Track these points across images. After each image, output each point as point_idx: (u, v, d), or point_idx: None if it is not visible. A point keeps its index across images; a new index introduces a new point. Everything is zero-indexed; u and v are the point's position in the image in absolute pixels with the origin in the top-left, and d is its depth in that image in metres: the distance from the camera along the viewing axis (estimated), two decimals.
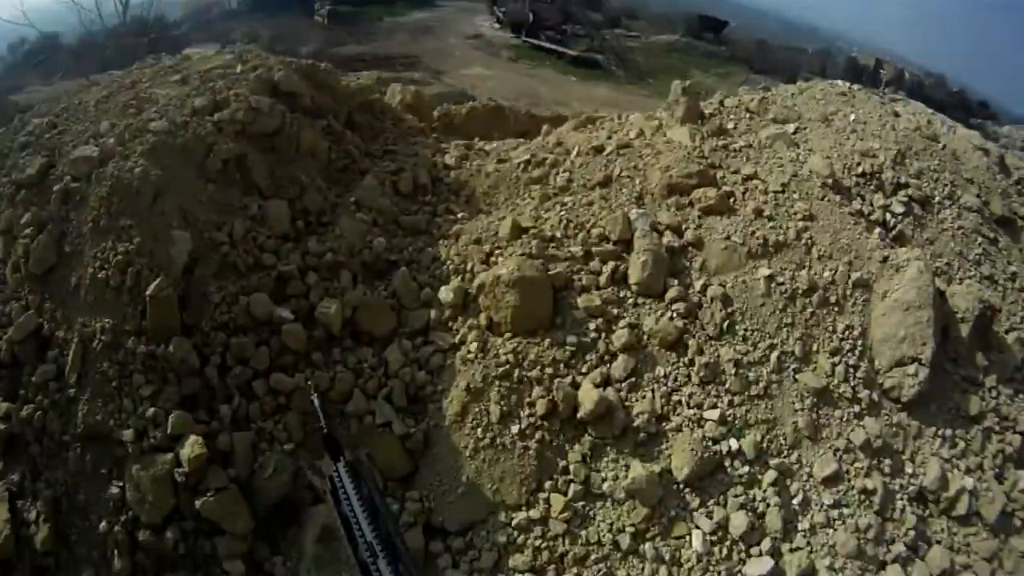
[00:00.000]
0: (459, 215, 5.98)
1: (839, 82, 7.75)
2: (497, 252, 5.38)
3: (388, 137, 6.97)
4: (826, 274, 5.10)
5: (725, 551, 4.26)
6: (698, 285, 5.09)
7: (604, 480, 4.48)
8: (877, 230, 5.46)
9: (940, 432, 4.73)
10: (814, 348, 4.89)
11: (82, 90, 6.91)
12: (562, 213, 5.56)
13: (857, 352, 4.88)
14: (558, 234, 5.39)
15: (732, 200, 5.58)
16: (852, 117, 6.51)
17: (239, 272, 5.03)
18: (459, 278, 5.28)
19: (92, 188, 4.91)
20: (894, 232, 5.58)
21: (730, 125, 6.54)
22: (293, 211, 5.53)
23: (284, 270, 5.11)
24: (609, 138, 6.50)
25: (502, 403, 4.64)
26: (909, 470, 4.59)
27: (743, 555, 4.27)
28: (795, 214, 5.43)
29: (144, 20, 14.97)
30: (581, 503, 4.44)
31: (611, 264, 5.18)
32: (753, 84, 25.79)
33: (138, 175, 4.86)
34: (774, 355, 4.81)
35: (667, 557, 4.26)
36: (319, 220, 5.69)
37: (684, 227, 5.39)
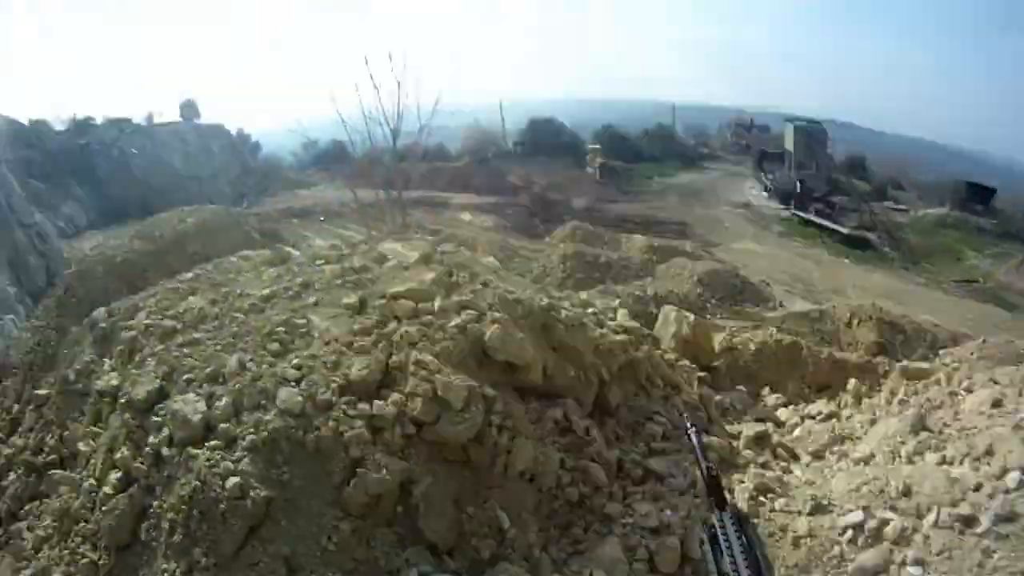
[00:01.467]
0: None
1: None
2: None
3: (655, 431, 4.40)
4: None
5: None
6: None
7: None
8: None
9: None
10: None
11: (254, 269, 5.41)
12: None
13: None
14: None
15: None
16: None
17: None
18: None
19: (180, 472, 3.23)
20: None
21: None
22: None
23: None
24: (978, 490, 3.76)
25: None
26: None
27: None
28: None
29: (417, 146, 16.41)
30: None
31: None
32: None
33: (230, 490, 3.00)
34: None
35: None
36: None
37: None
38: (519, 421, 3.65)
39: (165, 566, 3.03)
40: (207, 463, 3.14)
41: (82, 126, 26.72)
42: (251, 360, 3.72)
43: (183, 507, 3.08)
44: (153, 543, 3.19)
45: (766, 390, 6.23)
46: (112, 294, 7.71)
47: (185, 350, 4.10)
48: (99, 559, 3.40)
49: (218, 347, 4.00)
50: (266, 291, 4.54)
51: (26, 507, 4.54)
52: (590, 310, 5.24)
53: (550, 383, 4.06)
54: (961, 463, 3.57)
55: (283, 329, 3.95)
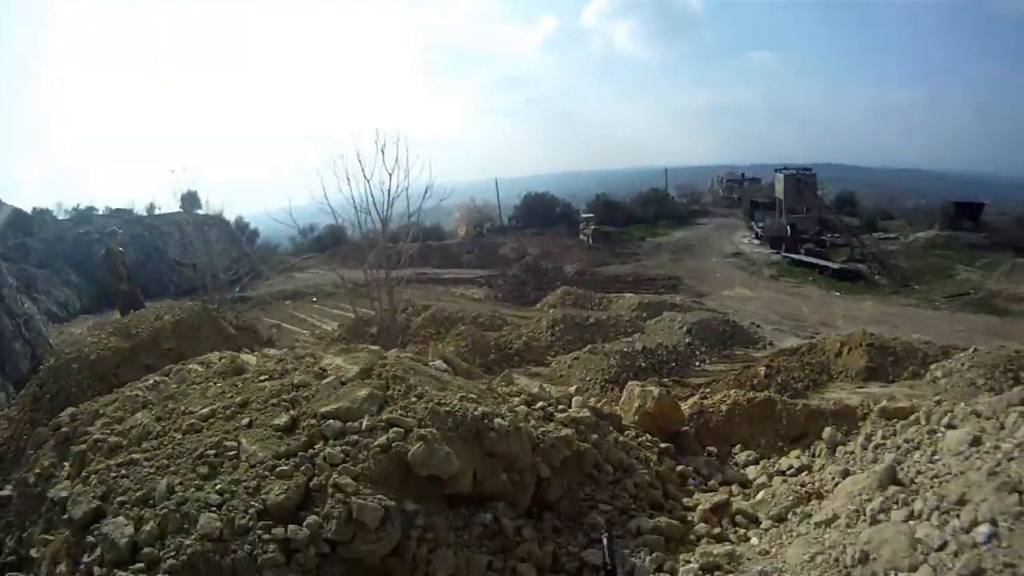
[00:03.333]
0: None
1: None
2: None
3: (597, 521, 4.31)
4: None
5: None
6: None
7: None
8: None
9: None
10: None
11: (201, 381, 5.38)
12: None
13: None
14: None
15: None
16: None
17: None
18: None
19: None
20: None
21: None
22: None
23: None
24: (942, 548, 3.45)
25: None
26: None
27: None
28: None
29: (408, 230, 16.69)
30: None
31: None
32: (1019, 269, 21.03)
33: None
34: None
35: None
36: None
37: None
38: (440, 532, 3.68)
39: None
40: None
41: (83, 215, 27.69)
42: (179, 483, 3.85)
43: None
44: None
45: (738, 447, 6.18)
46: (86, 390, 7.76)
47: (123, 471, 4.21)
48: None
49: (152, 470, 4.11)
50: (206, 410, 4.63)
51: None
52: (539, 404, 5.27)
53: (480, 489, 4.08)
54: (929, 517, 3.40)
55: (213, 452, 4.05)
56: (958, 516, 3.24)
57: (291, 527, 3.40)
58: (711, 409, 6.88)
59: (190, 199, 30.42)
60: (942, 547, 3.16)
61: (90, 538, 3.69)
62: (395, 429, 3.98)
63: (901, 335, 12.90)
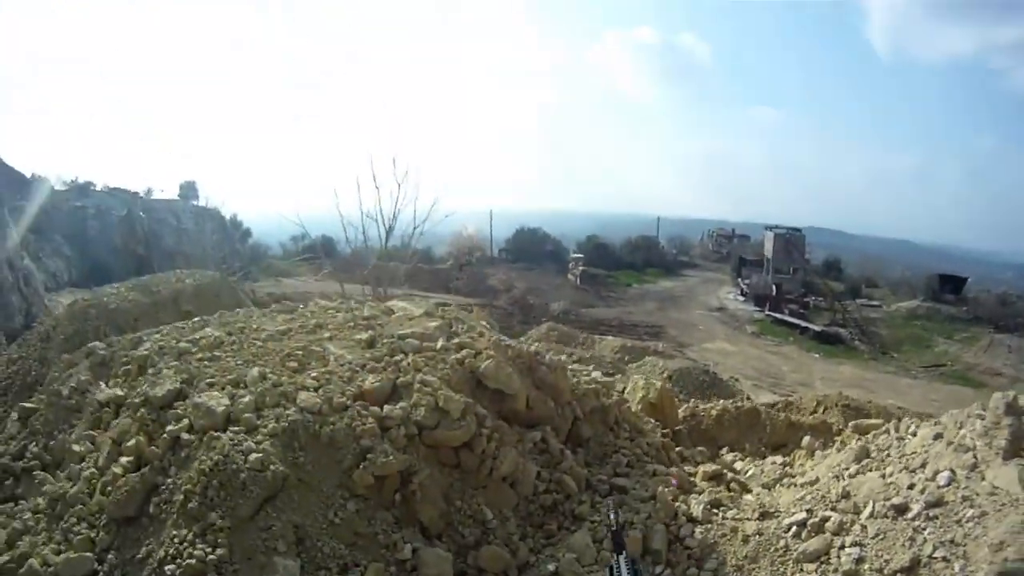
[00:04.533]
0: None
1: None
2: None
3: (620, 460, 5.07)
4: None
5: None
6: None
7: None
8: None
9: None
10: None
11: (266, 314, 5.90)
12: None
13: None
14: None
15: None
16: None
17: None
18: None
19: (201, 452, 3.59)
20: None
21: None
22: (464, 566, 3.68)
23: None
24: (911, 488, 4.67)
25: None
26: None
27: None
28: None
29: (407, 247, 16.41)
30: None
31: None
32: (997, 345, 21.90)
33: (251, 463, 3.41)
34: None
35: None
36: None
37: None
38: (506, 434, 4.21)
39: (175, 533, 3.31)
40: (231, 442, 3.56)
41: (81, 189, 27.48)
42: (271, 372, 4.20)
43: (202, 478, 3.44)
44: (162, 515, 3.49)
45: (725, 449, 6.78)
46: (101, 336, 7.74)
47: (205, 362, 4.50)
48: (96, 535, 3.62)
49: (239, 362, 4.44)
50: (282, 327, 5.05)
51: None
52: (571, 365, 5.90)
53: (531, 413, 4.64)
54: (899, 473, 4.17)
55: (301, 352, 4.48)
56: (922, 471, 4.02)
57: (386, 407, 3.89)
58: (703, 413, 7.62)
59: (189, 188, 30.57)
60: (911, 487, 3.93)
61: (174, 412, 3.95)
62: (466, 349, 4.57)
63: (876, 400, 13.52)
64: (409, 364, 4.36)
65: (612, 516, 2.50)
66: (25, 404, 5.60)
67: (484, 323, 6.22)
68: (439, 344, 4.68)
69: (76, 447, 4.40)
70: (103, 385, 5.08)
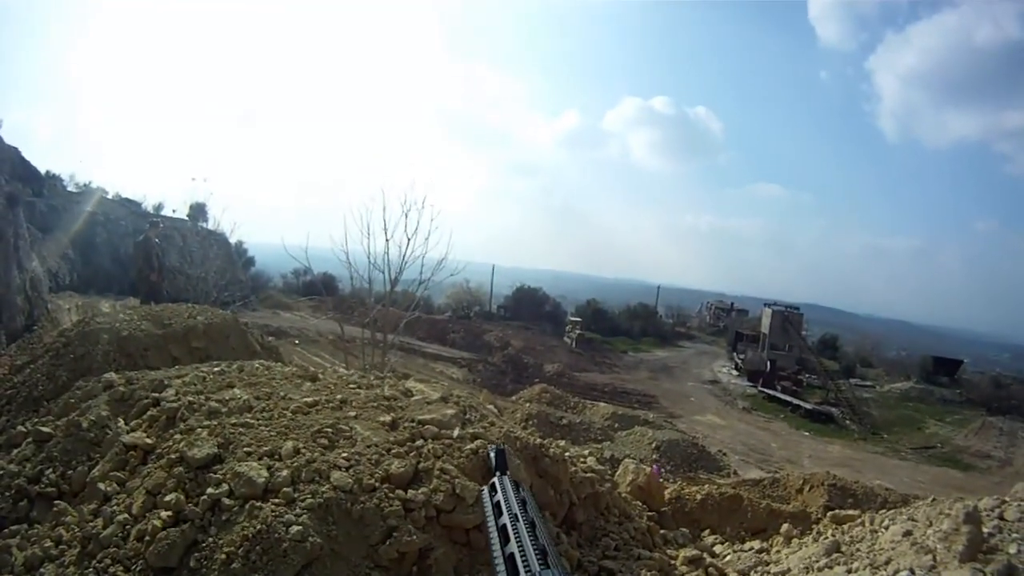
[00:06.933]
0: None
1: None
2: None
3: (609, 544, 5.60)
4: None
5: None
6: None
7: None
8: None
9: None
10: None
11: (288, 378, 6.21)
12: None
13: None
14: None
15: None
16: None
17: None
18: None
19: (243, 519, 3.93)
20: None
21: (1012, 550, 4.91)
22: None
23: None
24: None
25: None
26: None
27: None
28: None
29: (409, 290, 16.65)
30: None
31: None
32: (989, 428, 22.24)
33: (292, 534, 3.84)
34: None
35: None
36: None
37: None
38: None
39: None
40: (272, 513, 3.95)
41: (92, 194, 27.95)
42: (304, 448, 4.59)
43: (245, 543, 3.78)
44: (203, 570, 3.78)
45: (706, 532, 7.21)
46: (111, 363, 8.05)
47: (240, 429, 4.84)
48: None
49: (272, 433, 4.81)
50: (309, 399, 5.45)
51: (11, 528, 4.73)
52: (567, 454, 6.42)
53: (535, 495, 5.00)
54: (863, 571, 4.59)
55: (330, 430, 4.89)
56: (885, 569, 4.46)
57: (410, 491, 4.34)
58: (688, 496, 8.10)
59: (198, 210, 31.06)
60: None
61: (212, 476, 4.29)
62: (479, 440, 5.08)
63: (864, 480, 13.69)
64: (429, 451, 4.83)
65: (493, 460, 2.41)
66: (41, 428, 5.82)
67: (491, 408, 6.71)
68: (455, 433, 5.16)
69: (101, 485, 4.67)
70: (121, 422, 5.45)
